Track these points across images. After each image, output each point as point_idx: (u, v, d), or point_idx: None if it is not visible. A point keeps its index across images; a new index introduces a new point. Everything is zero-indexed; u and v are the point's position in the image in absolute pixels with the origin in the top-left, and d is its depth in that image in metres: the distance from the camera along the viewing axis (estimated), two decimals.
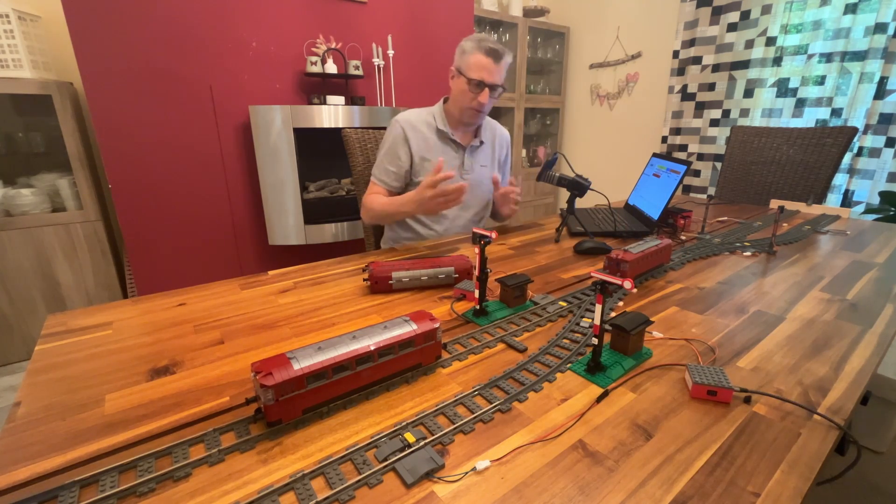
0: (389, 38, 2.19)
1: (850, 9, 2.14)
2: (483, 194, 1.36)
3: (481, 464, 0.41)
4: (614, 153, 3.40)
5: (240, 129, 1.94)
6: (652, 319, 0.68)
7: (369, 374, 0.50)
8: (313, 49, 2.01)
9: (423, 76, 2.41)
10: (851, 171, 2.24)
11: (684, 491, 0.38)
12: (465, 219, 1.36)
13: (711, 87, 2.71)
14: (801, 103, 2.38)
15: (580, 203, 1.31)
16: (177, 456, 0.42)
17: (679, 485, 0.39)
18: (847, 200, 2.30)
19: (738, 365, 0.58)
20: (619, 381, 0.54)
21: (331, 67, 2.01)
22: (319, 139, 2.02)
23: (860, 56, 2.14)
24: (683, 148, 2.90)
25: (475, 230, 0.67)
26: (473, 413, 0.48)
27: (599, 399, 0.51)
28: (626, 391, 0.52)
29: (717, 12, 2.60)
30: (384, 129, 1.41)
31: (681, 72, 2.81)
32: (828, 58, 2.26)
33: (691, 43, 2.73)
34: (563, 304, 0.75)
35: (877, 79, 2.09)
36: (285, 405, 0.45)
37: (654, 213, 1.21)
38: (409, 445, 0.43)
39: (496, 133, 1.40)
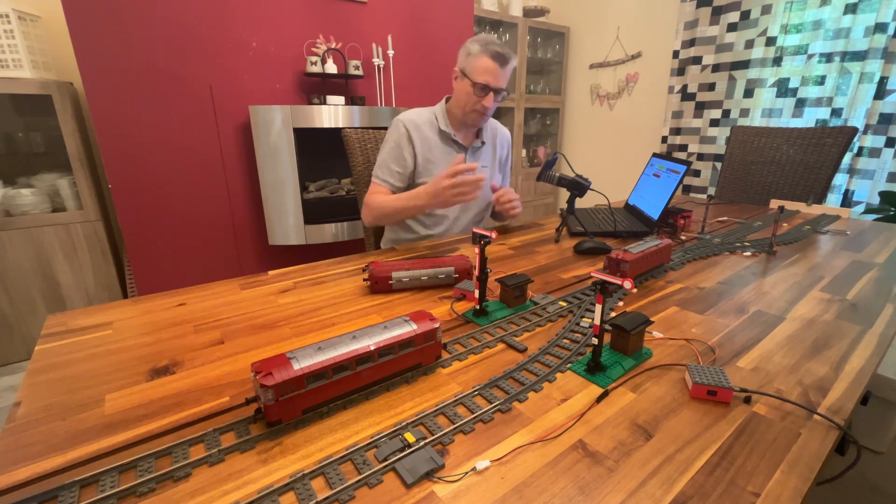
0: (389, 38, 2.19)
1: (850, 9, 2.14)
2: (484, 196, 1.36)
3: (481, 464, 0.41)
4: (614, 153, 3.40)
5: (240, 129, 1.94)
6: (652, 319, 0.68)
7: (369, 374, 0.50)
8: (313, 49, 2.01)
9: (423, 76, 2.41)
10: (851, 171, 2.24)
11: (684, 491, 0.38)
12: (466, 220, 1.36)
13: (711, 87, 2.71)
14: (801, 103, 2.38)
15: (580, 203, 1.31)
16: (177, 456, 0.42)
17: (679, 485, 0.39)
18: (847, 200, 2.30)
19: (738, 365, 0.58)
20: (619, 381, 0.54)
21: (331, 67, 2.01)
22: (319, 139, 2.02)
23: (860, 56, 2.14)
24: (683, 148, 2.90)
25: (475, 230, 0.67)
26: (473, 413, 0.48)
27: (599, 399, 0.51)
28: (626, 391, 0.52)
29: (717, 12, 2.60)
30: (384, 129, 1.41)
31: (681, 72, 2.81)
32: (828, 58, 2.26)
33: (691, 43, 2.73)
34: (563, 304, 0.75)
35: (877, 79, 2.09)
36: (285, 405, 0.45)
37: (654, 213, 1.21)
38: (409, 445, 0.43)
39: (497, 133, 1.40)
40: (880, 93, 2.10)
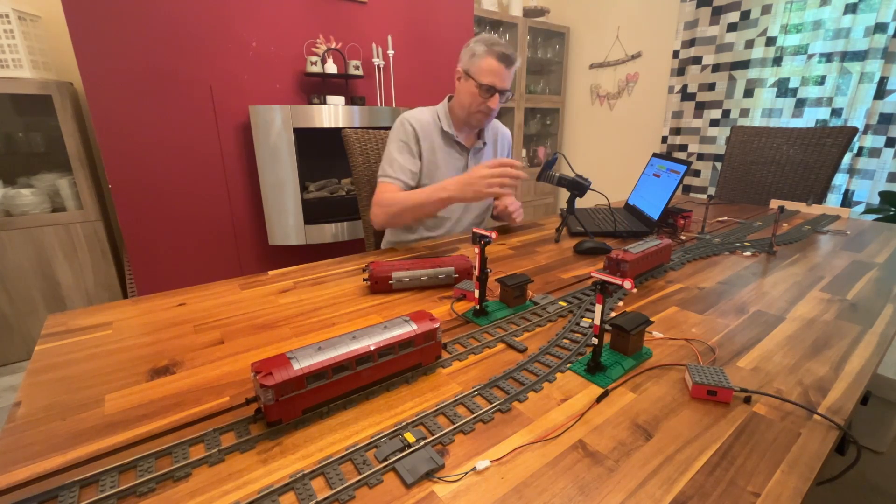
0: (389, 38, 2.19)
1: (850, 9, 2.15)
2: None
3: (481, 464, 0.41)
4: (614, 153, 3.40)
5: (240, 129, 1.94)
6: (652, 319, 0.68)
7: (369, 374, 0.50)
8: (313, 49, 2.01)
9: (423, 76, 2.41)
10: (851, 171, 2.24)
11: (684, 491, 0.38)
12: (468, 221, 1.36)
13: (711, 87, 2.71)
14: (801, 103, 2.38)
15: (580, 203, 1.31)
16: (177, 456, 0.42)
17: (679, 485, 0.39)
18: (847, 200, 2.30)
19: (738, 365, 0.58)
20: (619, 381, 0.54)
21: (331, 67, 2.01)
22: (319, 139, 2.02)
23: (860, 56, 2.14)
24: (683, 148, 2.90)
25: (475, 230, 0.67)
26: (473, 413, 0.48)
27: (599, 399, 0.51)
28: (626, 391, 0.52)
29: (717, 12, 2.60)
30: (384, 129, 1.41)
31: (681, 72, 2.81)
32: (828, 58, 2.26)
33: (691, 43, 2.73)
34: (563, 304, 0.75)
35: (877, 79, 2.09)
36: (285, 405, 0.45)
37: (654, 213, 1.21)
38: (409, 445, 0.43)
39: (498, 133, 1.40)
40: (880, 93, 2.10)
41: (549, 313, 0.72)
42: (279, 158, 1.92)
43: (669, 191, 1.18)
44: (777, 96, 2.47)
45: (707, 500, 0.37)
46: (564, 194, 1.19)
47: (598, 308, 0.52)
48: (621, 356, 0.58)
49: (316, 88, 2.09)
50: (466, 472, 0.40)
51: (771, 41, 2.42)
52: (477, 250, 0.67)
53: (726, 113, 2.68)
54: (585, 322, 0.68)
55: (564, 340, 0.63)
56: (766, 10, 2.41)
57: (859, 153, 2.21)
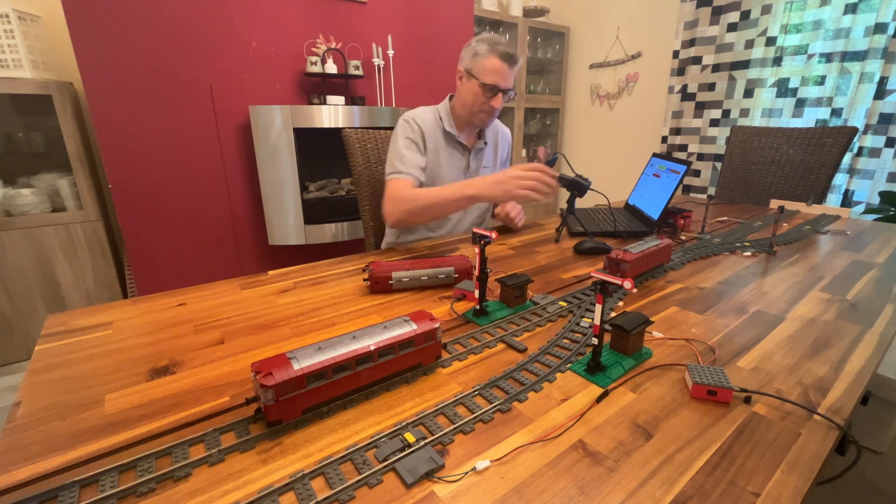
0: (389, 38, 2.19)
1: (850, 9, 2.15)
2: None
3: (481, 464, 0.41)
4: (614, 153, 3.40)
5: (240, 129, 1.94)
6: (652, 319, 0.68)
7: (369, 374, 0.50)
8: (313, 49, 2.01)
9: (423, 76, 2.41)
10: (851, 171, 2.24)
11: (684, 491, 0.38)
12: (468, 222, 1.36)
13: (711, 87, 2.71)
14: (801, 103, 2.38)
15: (580, 203, 1.31)
16: (177, 456, 0.42)
17: (679, 485, 0.39)
18: (847, 200, 2.30)
19: (738, 365, 0.58)
20: (619, 381, 0.54)
21: (331, 67, 2.01)
22: (319, 139, 2.02)
23: (860, 56, 2.14)
24: (683, 148, 2.90)
25: (475, 230, 0.67)
26: (473, 413, 0.48)
27: (599, 399, 0.51)
28: (626, 391, 0.52)
29: (717, 12, 2.60)
30: (384, 129, 1.41)
31: (681, 72, 2.81)
32: (828, 58, 2.26)
33: (691, 43, 2.73)
34: (563, 304, 0.75)
35: (877, 79, 2.09)
36: (285, 405, 0.45)
37: (654, 213, 1.21)
38: (409, 445, 0.43)
39: (499, 132, 1.40)
40: (880, 93, 2.10)
41: (549, 313, 0.72)
42: (279, 158, 1.92)
43: (669, 191, 1.18)
44: (777, 96, 2.47)
45: (707, 500, 0.37)
46: (564, 194, 1.19)
47: (598, 308, 0.52)
48: (621, 356, 0.58)
49: (316, 88, 2.09)
50: (466, 472, 0.40)
51: (771, 41, 2.42)
52: (477, 250, 0.67)
53: (726, 113, 2.68)
54: (585, 322, 0.68)
55: (564, 340, 0.63)
56: (766, 10, 2.41)
57: (859, 153, 2.21)
